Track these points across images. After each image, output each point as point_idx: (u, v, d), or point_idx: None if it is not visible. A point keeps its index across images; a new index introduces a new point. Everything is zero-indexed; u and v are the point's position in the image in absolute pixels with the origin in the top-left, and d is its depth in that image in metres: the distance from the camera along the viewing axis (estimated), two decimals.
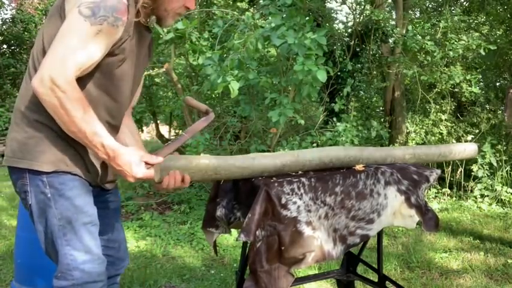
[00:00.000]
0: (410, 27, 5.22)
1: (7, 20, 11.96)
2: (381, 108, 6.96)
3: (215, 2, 6.32)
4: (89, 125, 1.26)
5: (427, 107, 6.03)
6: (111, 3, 1.26)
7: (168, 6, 1.43)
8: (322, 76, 3.35)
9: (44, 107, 1.27)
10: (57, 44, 1.22)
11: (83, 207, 1.39)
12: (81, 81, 1.30)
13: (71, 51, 1.21)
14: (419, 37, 4.97)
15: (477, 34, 7.01)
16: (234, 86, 3.45)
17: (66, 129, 1.28)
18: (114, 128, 1.51)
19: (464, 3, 7.48)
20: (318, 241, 1.63)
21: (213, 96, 5.52)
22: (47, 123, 1.33)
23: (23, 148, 1.35)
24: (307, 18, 3.73)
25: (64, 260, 1.37)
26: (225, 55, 4.32)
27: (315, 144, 4.54)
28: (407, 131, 5.92)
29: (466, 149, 2.28)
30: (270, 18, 3.79)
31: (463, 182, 5.12)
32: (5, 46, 11.97)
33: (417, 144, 5.41)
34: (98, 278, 1.42)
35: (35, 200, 1.37)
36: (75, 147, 1.38)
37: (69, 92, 1.21)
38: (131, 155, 1.33)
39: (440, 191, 5.15)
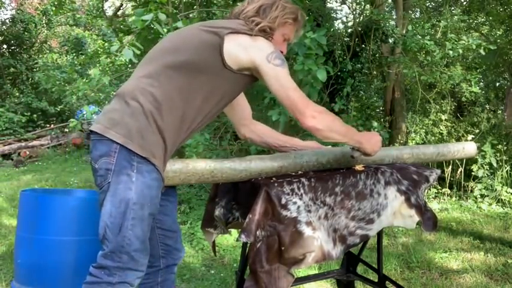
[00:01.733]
0: (410, 27, 5.22)
1: (7, 20, 11.96)
2: (381, 108, 6.97)
3: (215, 2, 6.32)
4: (348, 127, 1.68)
5: (427, 107, 6.04)
6: (278, 51, 1.60)
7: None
8: (322, 76, 3.35)
9: (158, 104, 1.47)
10: (287, 92, 1.54)
11: (155, 199, 1.49)
12: None
13: (299, 91, 1.57)
14: (419, 37, 4.97)
15: (477, 34, 7.01)
16: None
17: (340, 138, 1.62)
18: None
19: (464, 3, 7.48)
20: (318, 241, 1.63)
21: None
22: (151, 116, 1.46)
23: (123, 126, 1.45)
24: (307, 18, 3.73)
25: (121, 241, 1.44)
26: None
27: None
28: (407, 131, 5.93)
29: (465, 148, 2.28)
30: None
31: (463, 182, 5.11)
32: (5, 46, 11.98)
33: (417, 144, 5.41)
34: (140, 268, 1.50)
35: (117, 179, 1.43)
36: (164, 145, 1.49)
37: (326, 111, 1.59)
38: (376, 136, 1.74)
39: (440, 191, 5.15)
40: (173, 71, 1.52)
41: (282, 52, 1.70)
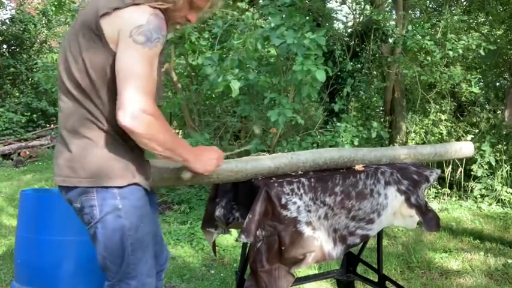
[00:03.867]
0: (410, 27, 5.22)
1: (7, 20, 11.96)
2: (381, 108, 6.97)
3: None
4: (176, 139, 1.39)
5: (427, 107, 6.03)
6: (156, 23, 1.30)
7: (170, 15, 1.42)
8: (321, 76, 3.35)
9: (91, 122, 1.34)
10: (128, 77, 1.26)
11: (147, 216, 1.44)
12: None
13: (145, 81, 1.27)
14: (419, 37, 4.97)
15: (477, 34, 7.01)
16: (235, 86, 3.45)
17: (162, 150, 1.33)
18: None
19: (464, 3, 7.48)
20: (318, 241, 1.63)
21: (213, 96, 5.52)
22: (105, 138, 1.35)
23: (86, 165, 1.34)
24: (307, 18, 3.73)
25: (125, 268, 1.41)
26: (224, 55, 4.32)
27: (315, 145, 4.54)
28: (407, 131, 5.93)
29: (462, 147, 2.28)
30: (269, 18, 3.79)
31: (463, 182, 5.11)
32: (4, 46, 11.98)
33: (417, 144, 5.41)
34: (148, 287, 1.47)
35: (104, 212, 1.36)
36: (139, 158, 1.42)
37: (158, 116, 1.29)
38: (212, 152, 1.51)
39: (440, 191, 5.15)
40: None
41: (189, 21, 1.48)
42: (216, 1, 1.48)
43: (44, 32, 12.70)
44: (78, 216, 1.45)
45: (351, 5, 6.17)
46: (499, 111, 6.70)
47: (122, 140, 1.37)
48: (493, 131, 5.69)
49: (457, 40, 5.02)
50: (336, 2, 6.71)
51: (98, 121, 1.36)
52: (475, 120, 6.36)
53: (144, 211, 1.43)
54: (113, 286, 1.43)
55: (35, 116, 10.56)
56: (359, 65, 5.66)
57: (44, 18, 12.41)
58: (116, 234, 1.38)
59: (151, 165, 1.54)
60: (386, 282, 2.17)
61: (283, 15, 3.77)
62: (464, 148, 2.28)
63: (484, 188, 4.95)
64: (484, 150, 4.94)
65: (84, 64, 1.34)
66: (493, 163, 4.91)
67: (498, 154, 5.04)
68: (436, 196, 5.14)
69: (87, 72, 1.33)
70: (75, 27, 1.39)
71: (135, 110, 1.24)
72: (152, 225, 1.48)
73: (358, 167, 1.86)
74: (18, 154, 8.92)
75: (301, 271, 2.96)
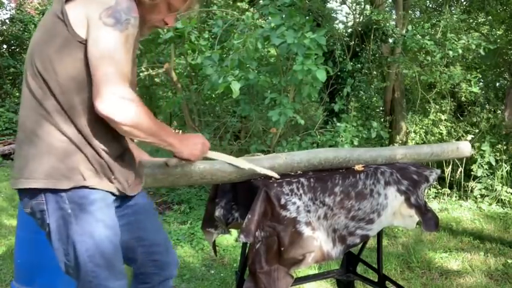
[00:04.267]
0: (410, 27, 5.22)
1: (6, 20, 11.96)
2: (381, 108, 6.96)
3: (215, 2, 6.32)
4: (158, 124, 1.31)
5: (427, 107, 6.03)
6: (126, 4, 1.25)
7: (147, 17, 1.39)
8: (321, 76, 3.35)
9: (48, 119, 1.26)
10: (101, 63, 1.20)
11: (105, 221, 1.34)
12: None
13: (120, 65, 1.21)
14: (419, 37, 4.97)
15: (477, 34, 7.01)
16: (235, 87, 3.45)
17: (145, 137, 1.28)
18: None
19: (464, 3, 7.47)
20: (318, 241, 1.63)
21: (213, 96, 5.51)
22: (58, 136, 1.28)
23: (33, 166, 1.28)
24: (307, 18, 3.73)
25: (86, 277, 1.34)
26: (224, 55, 4.32)
27: (315, 145, 4.54)
28: (407, 131, 5.92)
29: (459, 147, 2.28)
30: (269, 18, 3.79)
31: (463, 182, 5.11)
32: (4, 46, 11.97)
33: (417, 144, 5.40)
34: (118, 282, 1.39)
35: (54, 218, 1.31)
36: (93, 158, 1.31)
37: (137, 101, 1.23)
38: (197, 138, 1.47)
39: (440, 191, 5.14)
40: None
41: (166, 24, 1.45)
42: (192, 3, 1.45)
43: None
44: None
45: (351, 5, 6.18)
46: (499, 111, 6.70)
47: (71, 139, 1.28)
48: (493, 131, 5.69)
49: (457, 40, 5.02)
50: (336, 1, 6.71)
51: (52, 117, 1.27)
52: (475, 120, 6.35)
53: (100, 216, 1.32)
54: None
55: None
56: (359, 65, 5.66)
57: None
58: (69, 241, 1.31)
59: (143, 165, 1.52)
60: (386, 282, 2.17)
61: (283, 15, 3.77)
62: (461, 148, 2.28)
63: (484, 188, 4.95)
64: (484, 150, 4.94)
65: (47, 54, 1.27)
66: (493, 163, 4.91)
67: (498, 154, 5.04)
68: (436, 196, 5.14)
69: (49, 62, 1.26)
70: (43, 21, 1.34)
71: (113, 97, 1.18)
72: (111, 228, 1.36)
73: (358, 167, 1.86)
74: None
75: (301, 271, 2.96)
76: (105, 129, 1.29)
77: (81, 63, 1.25)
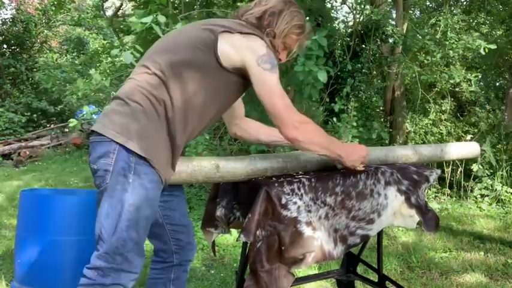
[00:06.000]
0: (410, 27, 5.22)
1: (7, 20, 11.95)
2: (381, 108, 6.97)
3: (215, 2, 6.31)
4: (328, 138, 1.65)
5: (427, 107, 6.03)
6: (271, 53, 1.55)
7: None
8: (322, 77, 3.36)
9: (161, 104, 1.46)
10: (275, 99, 1.52)
11: (152, 201, 1.48)
12: None
13: (286, 98, 1.55)
14: (419, 37, 4.97)
15: (477, 34, 7.01)
16: None
17: (319, 150, 1.59)
18: None
19: (464, 3, 7.48)
20: (318, 241, 1.63)
21: None
22: (152, 116, 1.45)
23: (123, 126, 1.43)
24: (307, 18, 3.73)
25: (115, 242, 1.43)
26: None
27: None
28: (407, 130, 5.93)
29: (463, 150, 2.28)
30: None
31: (463, 182, 5.11)
32: (5, 46, 11.97)
33: (416, 143, 5.40)
34: (134, 270, 1.50)
35: (115, 181, 1.42)
36: (169, 144, 1.48)
37: (310, 122, 1.58)
38: (362, 150, 1.72)
39: (440, 191, 5.15)
40: (170, 71, 1.49)
41: (280, 60, 1.69)
42: (303, 44, 1.76)
43: (44, 32, 12.70)
44: (92, 177, 1.50)
45: (351, 4, 6.18)
46: (499, 111, 6.70)
47: (160, 129, 1.46)
48: (493, 131, 5.70)
49: (457, 40, 5.03)
50: (336, 1, 6.71)
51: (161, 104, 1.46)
52: (474, 120, 6.36)
53: (151, 195, 1.46)
54: (99, 257, 1.44)
55: (35, 116, 10.55)
56: (359, 65, 5.66)
57: (44, 18, 12.40)
58: (118, 206, 1.42)
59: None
60: (386, 282, 2.17)
61: None
62: (466, 149, 2.28)
63: (484, 188, 4.95)
64: (484, 150, 4.94)
65: (183, 57, 1.51)
66: (494, 163, 4.91)
67: (498, 154, 5.04)
68: (436, 196, 5.14)
69: (179, 62, 1.50)
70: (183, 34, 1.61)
71: (294, 123, 1.51)
72: (152, 212, 1.51)
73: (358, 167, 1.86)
74: (18, 154, 8.91)
75: (301, 271, 2.96)
76: (183, 127, 1.50)
77: (209, 84, 1.53)
